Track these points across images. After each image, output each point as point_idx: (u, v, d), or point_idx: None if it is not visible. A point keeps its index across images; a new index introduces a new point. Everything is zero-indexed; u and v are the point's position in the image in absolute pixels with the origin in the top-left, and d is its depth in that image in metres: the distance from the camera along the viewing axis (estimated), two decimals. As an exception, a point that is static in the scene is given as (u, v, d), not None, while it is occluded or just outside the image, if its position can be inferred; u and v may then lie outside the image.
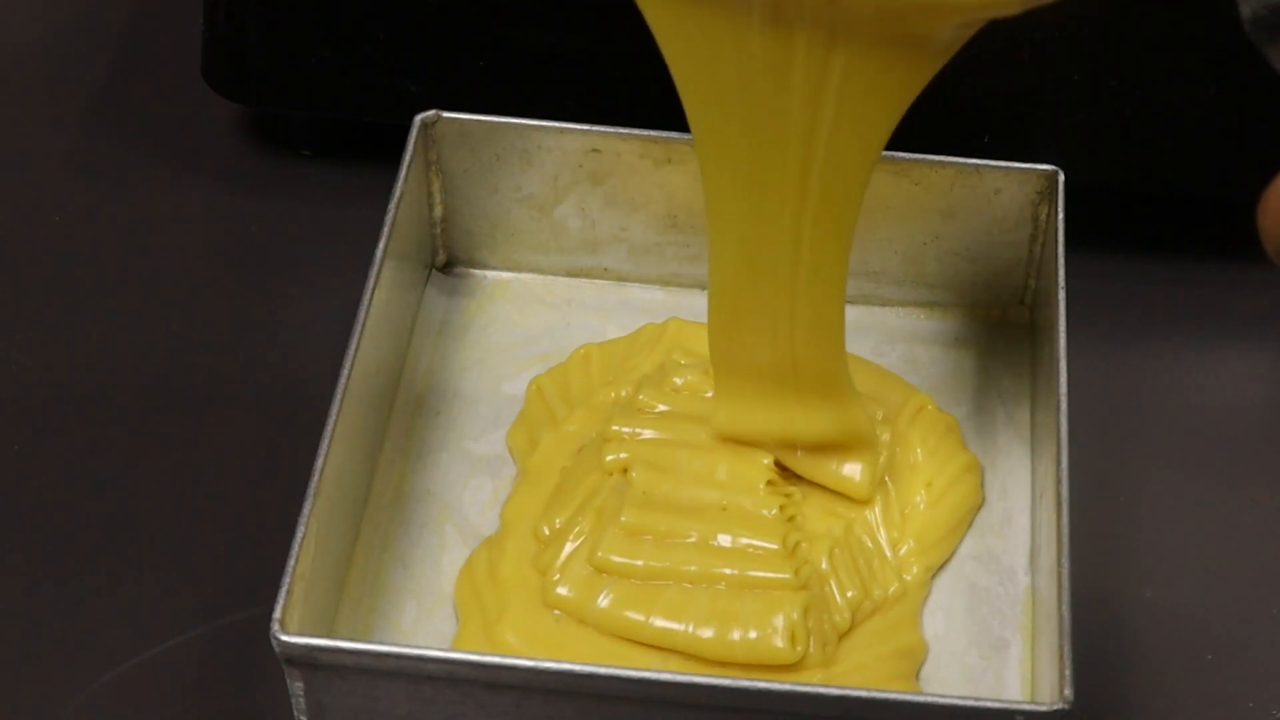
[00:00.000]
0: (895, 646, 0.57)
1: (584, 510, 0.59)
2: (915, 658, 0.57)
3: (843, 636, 0.57)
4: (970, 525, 0.60)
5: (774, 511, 0.58)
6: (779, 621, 0.56)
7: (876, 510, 0.60)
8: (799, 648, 0.56)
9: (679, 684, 0.50)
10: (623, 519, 0.58)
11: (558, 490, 0.60)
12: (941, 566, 0.59)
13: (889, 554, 0.59)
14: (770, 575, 0.57)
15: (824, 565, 0.58)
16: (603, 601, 0.57)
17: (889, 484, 0.60)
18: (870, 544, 0.59)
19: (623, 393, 0.62)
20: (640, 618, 0.56)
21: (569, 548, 0.58)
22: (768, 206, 0.54)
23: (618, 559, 0.57)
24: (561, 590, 0.57)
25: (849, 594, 0.58)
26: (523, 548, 0.58)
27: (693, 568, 0.57)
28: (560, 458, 0.61)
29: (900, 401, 0.63)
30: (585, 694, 0.51)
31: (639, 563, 0.57)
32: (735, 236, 0.56)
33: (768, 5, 0.49)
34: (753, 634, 0.56)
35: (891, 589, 0.58)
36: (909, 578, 0.59)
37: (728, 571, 0.57)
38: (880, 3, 0.48)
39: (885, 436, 0.61)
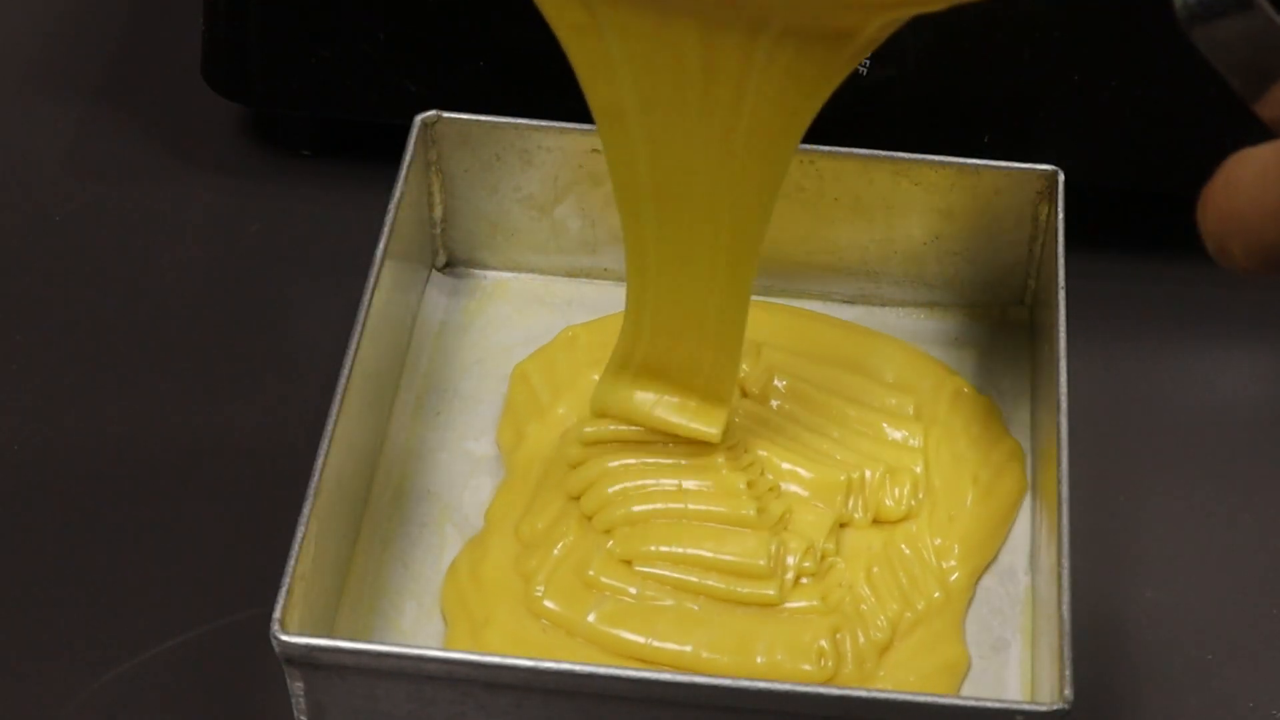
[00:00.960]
0: (937, 662, 0.56)
1: (568, 513, 0.58)
2: (957, 672, 0.56)
3: (884, 651, 0.56)
4: (1016, 517, 0.60)
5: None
6: (807, 645, 0.55)
7: (922, 516, 0.59)
8: (829, 664, 0.55)
9: (679, 684, 0.50)
10: (610, 547, 0.57)
11: (539, 487, 0.59)
12: (987, 567, 0.58)
13: (932, 560, 0.58)
14: (798, 605, 0.56)
15: (863, 588, 0.57)
16: (592, 617, 0.56)
17: (935, 484, 0.59)
18: (910, 552, 0.58)
19: None
20: (638, 639, 0.55)
21: (555, 553, 0.57)
22: (685, 204, 0.53)
23: (611, 581, 0.56)
24: (548, 604, 0.56)
25: (890, 608, 0.56)
26: (505, 548, 0.58)
27: (701, 593, 0.56)
28: (545, 449, 0.60)
29: (934, 385, 0.62)
30: (585, 694, 0.51)
31: (632, 589, 0.56)
32: (653, 234, 0.54)
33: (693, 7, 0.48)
34: (779, 656, 0.55)
35: (935, 596, 0.57)
36: (953, 580, 0.57)
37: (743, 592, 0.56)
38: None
39: (916, 442, 0.60)
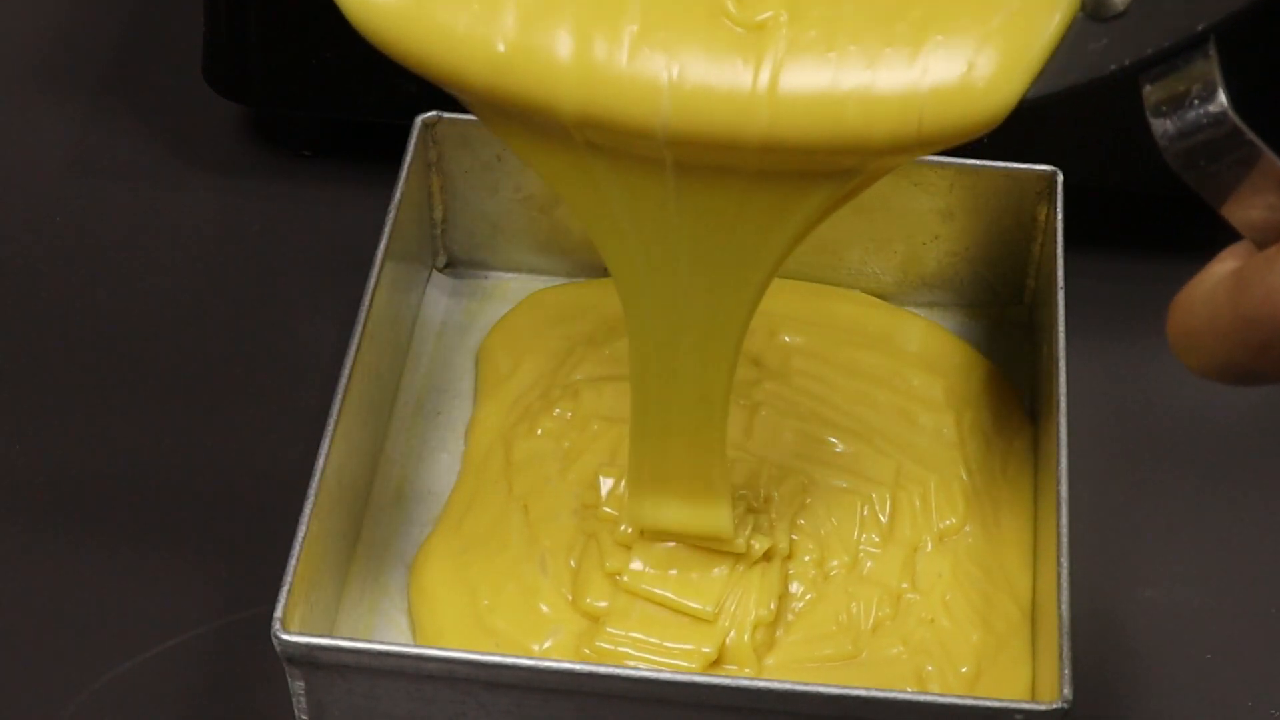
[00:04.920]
0: (1021, 689, 0.54)
1: (509, 513, 0.57)
2: (1038, 695, 0.54)
3: (974, 685, 0.54)
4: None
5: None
6: None
7: (974, 523, 0.58)
8: None
9: (679, 684, 0.50)
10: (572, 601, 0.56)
11: (480, 478, 0.58)
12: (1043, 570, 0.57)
13: (999, 575, 0.57)
14: (882, 653, 0.55)
15: (943, 620, 0.55)
16: (548, 644, 0.55)
17: (977, 484, 0.59)
18: (978, 572, 0.57)
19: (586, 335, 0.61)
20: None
21: (497, 564, 0.56)
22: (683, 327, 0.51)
23: (614, 643, 0.55)
24: (499, 623, 0.55)
25: (972, 637, 0.55)
26: (446, 550, 0.57)
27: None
28: (492, 431, 0.60)
29: (961, 363, 0.62)
30: (585, 694, 0.51)
31: (605, 645, 0.55)
32: (654, 351, 0.52)
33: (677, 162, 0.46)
34: None
35: (1011, 615, 0.56)
36: (1022, 592, 0.56)
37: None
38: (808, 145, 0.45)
39: (949, 432, 0.60)
